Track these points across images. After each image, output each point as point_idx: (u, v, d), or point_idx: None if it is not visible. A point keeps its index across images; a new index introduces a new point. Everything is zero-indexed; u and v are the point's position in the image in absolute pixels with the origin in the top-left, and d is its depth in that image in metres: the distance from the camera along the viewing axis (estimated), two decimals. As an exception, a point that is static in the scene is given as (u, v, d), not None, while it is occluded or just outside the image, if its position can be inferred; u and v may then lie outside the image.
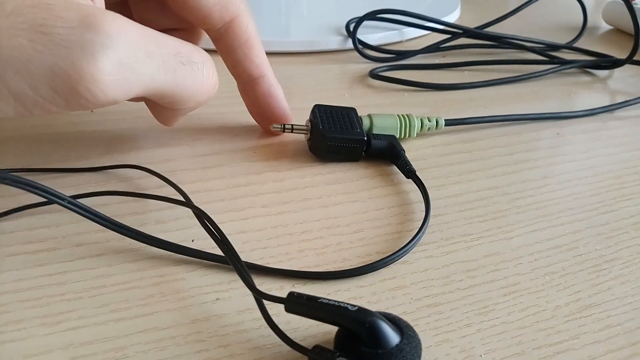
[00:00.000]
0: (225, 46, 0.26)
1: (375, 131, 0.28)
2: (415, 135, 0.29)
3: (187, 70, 0.21)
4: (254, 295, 0.17)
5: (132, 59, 0.18)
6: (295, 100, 0.34)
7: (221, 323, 0.18)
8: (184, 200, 0.22)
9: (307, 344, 0.17)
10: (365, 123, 0.28)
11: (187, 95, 0.21)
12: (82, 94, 0.18)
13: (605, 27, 0.52)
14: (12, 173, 0.19)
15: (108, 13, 0.18)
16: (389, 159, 0.27)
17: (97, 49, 0.17)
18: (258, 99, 0.28)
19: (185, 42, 0.21)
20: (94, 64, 0.17)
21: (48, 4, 0.17)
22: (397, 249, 0.21)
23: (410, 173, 0.26)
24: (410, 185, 0.26)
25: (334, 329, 0.17)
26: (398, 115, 0.29)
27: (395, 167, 0.27)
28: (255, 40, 0.26)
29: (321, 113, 0.27)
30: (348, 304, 0.16)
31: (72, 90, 0.17)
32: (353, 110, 0.28)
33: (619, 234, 0.24)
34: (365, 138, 0.27)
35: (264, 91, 0.27)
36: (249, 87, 0.28)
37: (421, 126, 0.29)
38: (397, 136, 0.28)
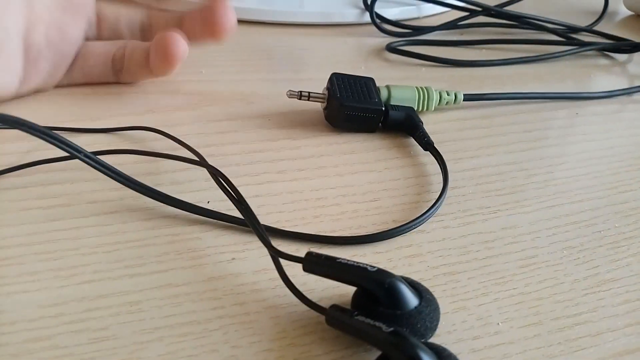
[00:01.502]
0: None
1: (393, 102, 0.27)
2: (433, 108, 0.29)
3: None
4: (270, 254, 0.17)
5: None
6: (310, 70, 0.33)
7: (237, 282, 0.18)
8: (199, 160, 0.21)
9: (324, 305, 0.16)
10: (383, 94, 0.27)
11: None
12: None
13: (625, 12, 0.51)
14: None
15: None
16: (407, 130, 0.27)
17: None
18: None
19: None
20: None
21: None
22: (414, 217, 0.21)
23: (428, 145, 0.25)
24: (427, 157, 0.25)
25: (349, 291, 0.17)
26: (417, 87, 0.28)
27: (413, 140, 0.26)
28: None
29: (339, 82, 0.27)
30: (367, 264, 0.16)
31: None
32: (371, 80, 0.28)
33: (638, 212, 0.23)
34: (383, 108, 0.26)
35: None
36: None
37: (439, 99, 0.29)
38: (415, 109, 0.28)
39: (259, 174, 0.24)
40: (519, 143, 0.28)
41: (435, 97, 0.29)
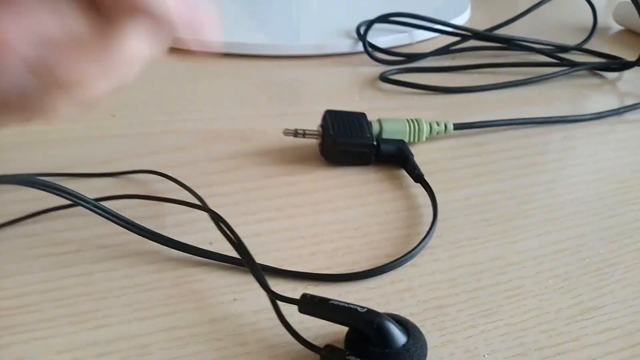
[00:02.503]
0: None
1: (384, 136, 0.29)
2: (424, 139, 0.30)
3: None
4: (269, 297, 0.18)
5: None
6: (305, 104, 0.34)
7: (238, 322, 0.19)
8: (200, 204, 0.23)
9: (319, 343, 0.18)
10: (375, 128, 0.29)
11: None
12: None
13: (616, 27, 0.52)
14: (38, 177, 0.20)
15: None
16: (398, 163, 0.28)
17: None
18: None
19: None
20: None
21: None
22: (405, 252, 0.22)
23: (418, 177, 0.26)
24: (418, 189, 0.27)
25: (344, 329, 0.18)
26: (407, 120, 0.30)
27: (404, 172, 0.28)
28: None
29: (332, 118, 0.28)
30: (358, 305, 0.17)
31: None
32: (363, 115, 0.29)
33: (622, 238, 0.24)
34: (375, 143, 0.28)
35: None
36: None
37: (430, 130, 0.30)
38: (407, 140, 0.29)
39: (257, 212, 0.25)
40: (508, 170, 0.29)
41: (426, 128, 0.30)
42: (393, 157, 0.28)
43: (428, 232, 0.23)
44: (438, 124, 0.30)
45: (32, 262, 0.22)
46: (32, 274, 0.21)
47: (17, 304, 0.20)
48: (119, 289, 0.21)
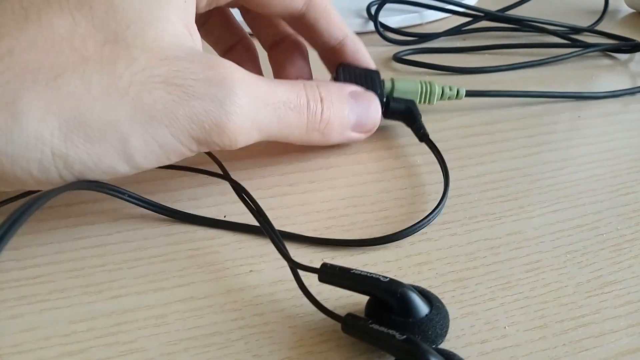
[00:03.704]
0: (309, 21, 0.26)
1: (396, 94, 0.29)
2: (435, 102, 0.30)
3: (294, 115, 0.22)
4: (289, 265, 0.18)
5: (252, 110, 0.20)
6: (319, 70, 0.34)
7: (255, 293, 0.19)
8: (222, 173, 0.22)
9: (338, 313, 0.17)
10: (387, 86, 0.29)
11: (295, 138, 0.23)
12: (215, 141, 0.19)
13: (626, 10, 0.52)
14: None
15: (227, 65, 0.19)
16: (405, 121, 0.28)
17: (225, 101, 0.19)
18: (347, 59, 0.28)
19: (294, 86, 0.22)
20: (225, 116, 0.19)
21: (176, 56, 0.19)
22: (421, 218, 0.22)
23: (423, 136, 0.27)
24: (433, 165, 0.26)
25: (361, 300, 0.18)
26: (420, 81, 0.30)
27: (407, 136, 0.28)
28: (329, 3, 0.26)
29: (345, 73, 0.27)
30: (380, 275, 0.17)
31: (207, 138, 0.19)
32: (376, 72, 0.28)
33: (639, 215, 0.24)
34: (385, 99, 0.27)
35: (351, 49, 0.27)
36: (335, 50, 0.27)
37: (442, 94, 0.30)
38: (418, 102, 0.29)
39: (271, 187, 0.25)
40: (521, 149, 0.28)
41: (438, 90, 0.30)
42: (401, 115, 0.28)
43: (443, 195, 0.23)
44: (450, 89, 0.30)
45: (44, 233, 0.21)
46: (45, 245, 0.21)
47: (30, 274, 0.20)
48: (134, 261, 0.20)
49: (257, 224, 0.21)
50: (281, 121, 0.21)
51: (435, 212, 0.22)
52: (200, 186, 0.24)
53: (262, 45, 0.29)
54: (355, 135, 0.26)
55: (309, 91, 0.23)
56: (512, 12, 0.44)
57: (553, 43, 0.41)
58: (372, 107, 0.26)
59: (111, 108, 0.17)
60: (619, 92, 0.34)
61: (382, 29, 0.40)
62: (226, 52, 0.29)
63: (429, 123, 0.30)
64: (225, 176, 0.22)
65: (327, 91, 0.23)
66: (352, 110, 0.25)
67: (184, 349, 0.17)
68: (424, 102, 0.30)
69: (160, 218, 0.22)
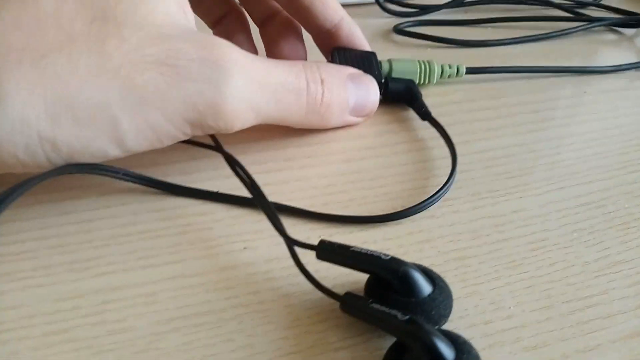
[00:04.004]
0: (303, 3, 0.25)
1: (394, 75, 0.28)
2: (435, 81, 0.29)
3: (293, 97, 0.21)
4: (285, 241, 0.17)
5: (248, 92, 0.19)
6: (314, 53, 0.33)
7: (250, 271, 0.18)
8: (214, 145, 0.21)
9: (337, 292, 0.17)
10: (385, 67, 0.28)
11: (293, 120, 0.22)
12: (209, 124, 0.18)
13: (633, -16, 0.50)
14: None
15: (222, 45, 0.18)
16: (406, 102, 0.27)
17: (220, 83, 0.18)
18: (343, 43, 0.27)
19: (293, 67, 0.21)
20: (220, 98, 0.18)
21: (169, 35, 0.17)
22: (424, 199, 0.21)
23: (426, 115, 0.26)
24: (435, 141, 0.25)
25: (360, 279, 0.17)
26: (418, 61, 0.29)
27: (412, 113, 0.27)
28: None
29: (340, 56, 0.26)
30: (381, 252, 0.16)
31: (201, 120, 0.18)
32: (373, 54, 0.27)
33: (648, 193, 0.23)
34: (383, 80, 0.26)
35: (346, 32, 0.26)
36: (331, 34, 0.26)
37: (442, 72, 0.29)
38: (417, 82, 0.28)
39: (266, 161, 0.24)
40: (526, 124, 0.27)
41: (437, 69, 0.29)
42: (401, 95, 0.27)
43: (452, 170, 0.22)
44: (450, 67, 0.29)
45: (28, 208, 0.20)
46: (29, 220, 0.20)
47: (12, 250, 0.19)
48: (122, 237, 0.19)
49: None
50: (279, 103, 0.20)
51: (443, 190, 0.22)
52: (192, 160, 0.23)
53: (253, 21, 0.28)
54: (354, 118, 0.25)
55: (309, 73, 0.22)
56: (517, -15, 0.43)
57: (558, 16, 0.40)
58: (370, 90, 0.25)
59: (100, 90, 0.16)
60: (625, 67, 0.33)
61: (382, 0, 0.39)
62: (216, 23, 0.27)
63: (431, 97, 0.29)
64: (218, 148, 0.21)
65: (328, 73, 0.22)
66: (351, 93, 0.24)
67: (174, 329, 0.16)
68: (423, 81, 0.29)
69: (150, 192, 0.21)
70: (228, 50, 0.18)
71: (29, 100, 0.16)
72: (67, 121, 0.16)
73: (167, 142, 0.19)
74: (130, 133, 0.17)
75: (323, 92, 0.22)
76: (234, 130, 0.19)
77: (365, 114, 0.25)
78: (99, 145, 0.17)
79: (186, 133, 0.19)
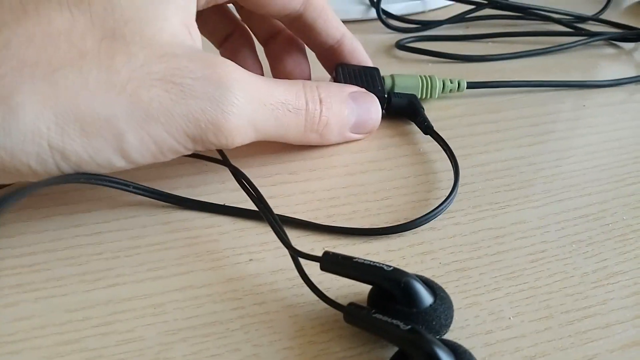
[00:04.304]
0: (306, 21, 0.26)
1: (396, 90, 0.28)
2: (436, 96, 0.30)
3: (292, 116, 0.22)
4: (290, 253, 0.18)
5: (249, 110, 0.19)
6: (318, 70, 0.33)
7: (255, 282, 0.19)
8: (221, 158, 0.22)
9: (340, 303, 0.17)
10: (388, 82, 0.28)
11: (292, 138, 0.23)
12: (211, 140, 0.19)
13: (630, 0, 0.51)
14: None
15: (225, 64, 0.19)
16: (408, 116, 0.28)
17: (222, 100, 0.19)
18: (345, 59, 0.27)
19: (293, 87, 0.22)
20: (222, 115, 0.19)
21: (174, 54, 0.18)
22: (426, 212, 0.22)
23: (428, 129, 0.26)
24: (437, 154, 0.26)
25: (364, 289, 0.18)
26: (420, 76, 0.29)
27: (414, 127, 0.27)
28: (326, 2, 0.26)
29: (344, 72, 0.27)
30: (383, 264, 0.16)
31: (203, 136, 0.19)
32: (376, 69, 0.28)
33: (646, 205, 0.24)
34: (386, 95, 0.27)
35: (349, 48, 0.27)
36: (333, 50, 0.27)
37: (443, 87, 0.30)
38: (419, 96, 0.29)
39: (271, 175, 0.24)
40: (526, 137, 0.28)
41: (439, 84, 0.29)
42: (404, 110, 0.28)
43: (454, 184, 0.23)
44: (451, 81, 0.30)
45: (40, 221, 0.21)
46: (40, 232, 0.20)
47: (25, 262, 0.19)
48: (131, 249, 0.20)
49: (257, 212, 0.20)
50: (278, 121, 0.21)
51: (446, 203, 0.22)
52: (199, 173, 0.24)
53: (257, 40, 0.29)
54: (355, 136, 0.26)
55: (308, 92, 0.22)
56: (516, 0, 0.43)
57: (557, 31, 0.40)
58: (372, 108, 0.26)
59: (108, 104, 0.17)
60: (624, 81, 0.34)
61: (384, 17, 0.39)
62: (223, 41, 0.28)
63: (432, 111, 0.29)
64: (225, 162, 0.21)
65: (327, 92, 0.23)
66: (352, 111, 0.25)
67: (182, 339, 0.17)
68: (425, 96, 0.29)
69: (158, 205, 0.22)
70: (231, 69, 0.19)
71: (41, 112, 0.17)
72: (76, 132, 0.17)
73: (170, 156, 0.19)
74: (135, 146, 0.18)
75: (321, 111, 0.23)
76: (234, 146, 0.20)
77: (367, 132, 0.26)
78: (105, 156, 0.18)
79: (188, 148, 0.19)
